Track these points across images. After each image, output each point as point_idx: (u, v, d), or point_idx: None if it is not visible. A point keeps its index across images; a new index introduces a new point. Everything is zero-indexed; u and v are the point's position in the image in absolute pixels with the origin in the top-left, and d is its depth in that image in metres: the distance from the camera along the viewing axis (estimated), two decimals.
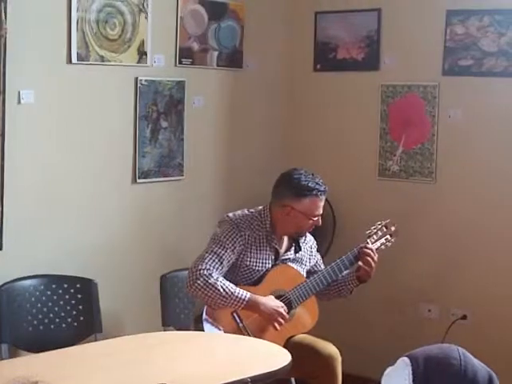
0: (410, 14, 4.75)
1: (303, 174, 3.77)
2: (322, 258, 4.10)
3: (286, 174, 3.81)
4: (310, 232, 3.92)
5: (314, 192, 3.73)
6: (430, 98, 4.69)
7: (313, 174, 3.78)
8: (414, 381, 1.66)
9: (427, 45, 4.69)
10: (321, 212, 3.79)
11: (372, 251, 3.85)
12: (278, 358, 3.18)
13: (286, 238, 3.87)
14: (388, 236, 4.04)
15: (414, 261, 4.76)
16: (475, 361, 1.72)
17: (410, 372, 1.68)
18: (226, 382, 2.89)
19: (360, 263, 3.84)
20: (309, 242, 3.95)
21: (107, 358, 3.14)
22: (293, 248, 3.87)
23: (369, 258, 3.82)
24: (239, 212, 3.80)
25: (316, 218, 3.78)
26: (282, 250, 3.85)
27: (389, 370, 1.76)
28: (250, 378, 2.94)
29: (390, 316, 4.82)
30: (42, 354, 3.18)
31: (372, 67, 4.87)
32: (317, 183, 3.75)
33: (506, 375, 4.37)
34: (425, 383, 1.65)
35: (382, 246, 4.00)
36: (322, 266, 3.99)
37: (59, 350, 3.21)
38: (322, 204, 3.79)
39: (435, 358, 1.70)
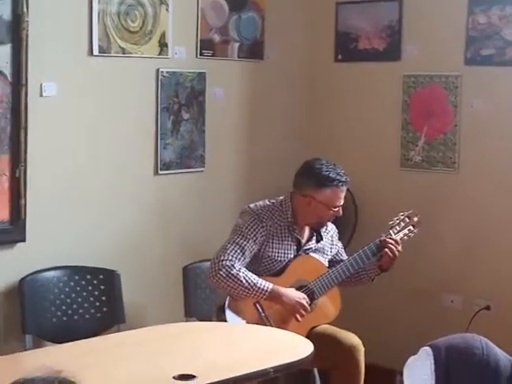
0: (431, 3, 4.72)
1: (325, 164, 3.76)
2: (345, 248, 4.10)
3: (307, 164, 3.81)
4: (331, 221, 3.91)
5: (335, 183, 3.72)
6: (452, 88, 4.66)
7: (334, 165, 3.78)
8: (435, 370, 1.66)
9: (449, 34, 4.66)
10: (342, 203, 3.79)
11: (396, 241, 3.85)
12: (300, 348, 3.18)
13: (307, 228, 3.87)
14: (411, 227, 4.03)
15: (437, 251, 4.74)
16: (498, 350, 1.72)
17: (432, 362, 1.68)
18: (248, 372, 2.91)
19: (386, 250, 3.82)
20: (330, 231, 3.95)
21: (130, 348, 3.16)
22: (314, 238, 3.88)
23: (393, 247, 3.82)
24: (260, 203, 3.81)
25: (337, 209, 3.77)
26: (304, 240, 3.86)
27: (411, 359, 1.76)
28: (272, 368, 2.95)
29: (413, 306, 4.80)
30: (65, 345, 3.21)
31: (393, 57, 4.84)
32: (338, 174, 3.74)
33: None
34: (446, 372, 1.65)
35: (405, 237, 3.99)
36: (344, 255, 3.99)
37: (83, 341, 3.23)
38: (343, 195, 3.78)
39: (457, 348, 1.70)
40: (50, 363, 2.76)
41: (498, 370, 1.63)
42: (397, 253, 3.83)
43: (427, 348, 1.70)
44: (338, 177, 3.74)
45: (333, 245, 3.96)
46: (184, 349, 3.15)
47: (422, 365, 1.65)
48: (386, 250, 3.82)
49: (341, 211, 3.81)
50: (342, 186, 3.76)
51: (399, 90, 4.82)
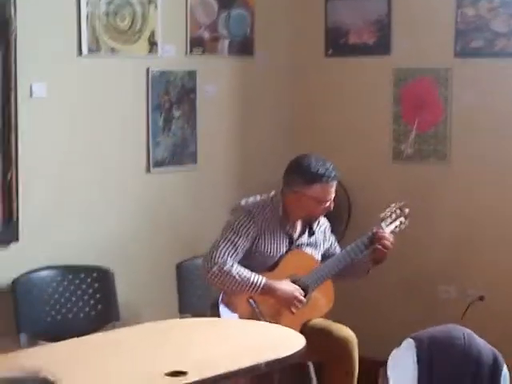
0: None
1: (313, 160, 3.77)
2: (338, 241, 4.12)
3: (296, 161, 3.82)
4: (324, 215, 3.93)
5: (324, 178, 3.73)
6: (443, 80, 4.67)
7: (323, 160, 3.78)
8: (418, 361, 1.68)
9: (438, 27, 4.68)
10: (332, 197, 3.80)
11: (387, 234, 3.86)
12: (292, 342, 3.19)
13: (299, 223, 3.89)
14: (402, 218, 4.04)
15: (430, 243, 4.76)
16: (480, 341, 1.74)
17: (415, 353, 1.70)
18: (241, 367, 2.92)
19: (377, 245, 3.84)
20: (322, 225, 3.96)
21: (124, 345, 3.18)
22: (307, 232, 3.89)
23: (385, 241, 3.83)
24: (251, 199, 3.82)
25: (328, 203, 3.79)
26: (296, 235, 3.87)
27: (395, 351, 1.78)
28: (264, 362, 2.97)
29: (407, 298, 4.82)
30: (59, 343, 3.21)
31: (384, 51, 4.86)
32: (327, 169, 3.75)
33: None
34: (429, 363, 1.67)
35: (397, 229, 4.00)
36: (338, 248, 4.00)
37: (76, 339, 3.24)
38: (332, 189, 3.79)
39: (439, 339, 1.72)
40: (43, 362, 2.81)
41: (480, 359, 1.66)
42: (389, 245, 3.84)
43: (410, 340, 1.72)
44: (327, 172, 3.74)
45: (326, 238, 3.98)
46: (176, 345, 3.16)
47: (406, 356, 1.68)
48: (378, 242, 3.83)
49: (332, 205, 3.82)
50: (331, 180, 3.77)
51: (390, 83, 4.83)
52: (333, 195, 3.80)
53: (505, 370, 1.68)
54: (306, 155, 3.82)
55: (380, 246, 3.83)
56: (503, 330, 4.47)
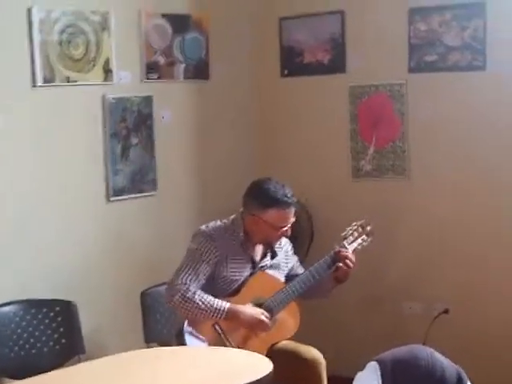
0: (372, 14, 4.78)
1: (272, 184, 3.74)
2: (302, 261, 4.11)
3: (255, 184, 3.81)
4: (286, 236, 3.91)
5: (281, 204, 3.71)
6: (398, 96, 4.71)
7: (283, 186, 3.75)
8: (383, 383, 1.68)
9: (392, 44, 4.72)
10: (289, 223, 3.77)
11: (349, 253, 3.86)
12: (259, 367, 3.17)
13: (261, 245, 3.87)
14: (364, 236, 4.05)
15: (393, 259, 4.78)
16: (444, 360, 1.74)
17: (379, 376, 1.69)
18: None
19: (339, 264, 3.84)
20: (284, 245, 3.95)
21: (89, 379, 3.14)
22: (269, 254, 3.88)
23: (347, 261, 3.83)
24: (212, 223, 3.80)
25: (284, 229, 3.77)
26: (258, 258, 3.86)
27: (359, 374, 1.78)
28: None
29: (373, 315, 4.83)
30: (24, 381, 3.17)
31: (339, 69, 4.89)
32: (285, 195, 3.72)
33: (488, 365, 4.41)
34: None
35: (359, 247, 4.01)
36: (300, 269, 3.99)
37: (41, 376, 3.20)
38: (289, 216, 3.75)
39: (403, 360, 1.72)
40: None
41: (444, 379, 1.66)
42: (351, 264, 3.84)
43: (373, 362, 1.72)
44: (285, 198, 3.72)
45: (288, 260, 3.97)
46: (143, 376, 3.13)
47: (370, 379, 1.67)
48: (341, 261, 3.83)
49: (289, 232, 3.79)
50: (287, 207, 3.73)
51: (346, 101, 4.86)
52: (290, 222, 3.77)
53: None
54: (267, 179, 3.80)
55: (342, 265, 3.83)
56: (467, 343, 4.50)
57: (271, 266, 3.88)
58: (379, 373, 1.69)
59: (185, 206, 4.76)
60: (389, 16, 4.72)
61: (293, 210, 3.77)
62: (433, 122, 4.64)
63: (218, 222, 3.81)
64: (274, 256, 3.89)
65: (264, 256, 3.87)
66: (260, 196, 3.73)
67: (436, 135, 4.65)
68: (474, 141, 4.53)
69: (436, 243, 4.66)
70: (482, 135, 4.50)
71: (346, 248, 3.90)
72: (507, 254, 4.47)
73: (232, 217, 3.84)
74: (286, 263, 3.95)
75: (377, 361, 1.72)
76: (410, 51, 4.67)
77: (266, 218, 3.72)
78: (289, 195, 3.73)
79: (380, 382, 1.67)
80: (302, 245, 4.71)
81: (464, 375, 1.71)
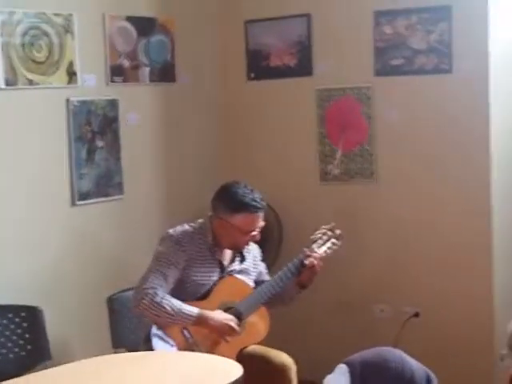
0: (338, 17, 4.77)
1: (241, 188, 3.71)
2: (270, 266, 4.08)
3: (224, 187, 3.77)
4: (255, 241, 3.87)
5: (250, 208, 3.68)
6: (365, 99, 4.70)
7: (252, 190, 3.73)
8: None
9: (358, 47, 4.72)
10: (257, 228, 3.74)
11: (316, 258, 3.83)
12: (229, 371, 3.14)
13: (229, 250, 3.83)
14: (334, 240, 4.03)
15: (363, 262, 4.77)
16: (413, 362, 1.72)
17: (348, 378, 1.67)
18: None
19: (307, 265, 3.80)
20: (252, 250, 3.92)
21: None
22: (238, 259, 3.84)
23: (314, 263, 3.81)
24: (179, 227, 3.76)
25: (253, 234, 3.74)
26: (227, 262, 3.82)
27: (328, 377, 1.75)
28: None
29: (343, 319, 4.81)
30: None
31: (305, 73, 4.87)
32: (253, 199, 3.69)
33: (458, 368, 4.41)
34: None
35: (329, 250, 3.99)
36: (266, 276, 3.96)
37: (6, 382, 3.13)
38: (258, 220, 3.72)
39: (372, 363, 1.69)
40: None
41: (413, 380, 1.63)
42: (318, 268, 3.81)
43: (343, 365, 1.69)
44: (254, 202, 3.68)
45: (256, 265, 3.93)
46: (110, 382, 3.08)
47: (339, 381, 1.64)
48: (308, 264, 3.80)
49: (258, 236, 3.77)
50: (256, 212, 3.70)
51: (313, 104, 4.85)
52: (258, 226, 3.74)
53: None
54: (236, 183, 3.77)
55: (309, 266, 3.79)
56: (438, 345, 4.50)
57: (240, 271, 3.84)
58: (348, 375, 1.66)
59: (151, 209, 4.72)
60: (354, 19, 4.72)
61: (261, 214, 3.74)
62: (399, 125, 4.64)
63: (186, 226, 3.77)
64: (242, 260, 3.85)
65: (232, 261, 3.84)
66: (228, 200, 3.70)
67: (403, 138, 4.64)
68: (442, 144, 4.53)
69: (405, 246, 4.66)
70: (449, 138, 4.51)
71: (316, 252, 3.87)
72: (476, 257, 4.48)
73: (200, 221, 3.80)
74: (255, 268, 3.92)
75: (346, 363, 1.69)
76: (376, 54, 4.67)
77: (234, 222, 3.68)
78: (258, 199, 3.70)
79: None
80: (270, 248, 4.68)
81: (433, 377, 1.69)
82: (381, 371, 1.65)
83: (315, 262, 3.80)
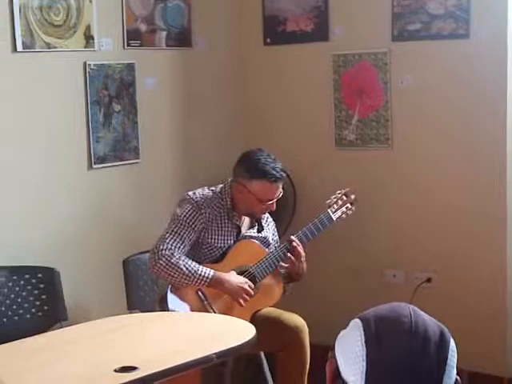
0: None
1: (263, 156, 3.71)
2: (285, 229, 4.09)
3: (247, 153, 3.78)
4: (271, 211, 3.85)
5: (268, 177, 3.68)
6: (381, 64, 4.69)
7: (274, 159, 3.73)
8: (366, 341, 1.67)
9: (375, 12, 4.69)
10: (274, 198, 3.74)
11: (298, 246, 3.78)
12: (242, 332, 3.18)
13: (247, 218, 3.86)
14: (348, 204, 4.05)
15: (376, 228, 4.77)
16: (426, 317, 1.73)
17: (362, 332, 1.69)
18: (191, 359, 2.90)
19: (289, 255, 3.77)
20: (270, 223, 3.95)
21: (71, 344, 3.13)
22: (256, 227, 3.85)
23: (299, 250, 3.77)
24: (199, 190, 3.78)
25: (269, 203, 3.74)
26: (244, 227, 3.84)
27: (342, 333, 1.77)
28: (214, 353, 2.95)
29: (355, 284, 4.83)
30: (4, 345, 3.15)
31: (322, 38, 4.85)
32: (273, 168, 3.69)
33: (472, 333, 4.43)
34: (377, 342, 1.66)
35: (344, 215, 4.02)
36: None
37: (21, 340, 3.18)
38: (275, 190, 3.72)
39: (386, 317, 1.71)
40: None
41: (427, 335, 1.65)
42: (301, 256, 3.77)
43: (357, 320, 1.71)
44: (273, 172, 3.68)
45: (274, 235, 3.96)
46: (126, 341, 3.13)
47: (353, 337, 1.66)
48: (293, 253, 3.77)
49: (274, 206, 3.76)
50: (274, 181, 3.70)
51: (329, 69, 4.83)
52: (276, 196, 3.74)
53: (452, 344, 1.68)
54: (259, 150, 3.78)
55: (291, 255, 3.77)
56: (450, 310, 4.52)
57: (258, 239, 3.85)
58: (362, 330, 1.68)
59: (168, 174, 4.74)
60: None
61: (280, 185, 3.75)
62: (416, 91, 4.62)
63: (206, 190, 3.79)
64: (260, 230, 3.86)
65: (251, 227, 3.86)
66: (249, 165, 3.71)
67: (419, 104, 4.63)
68: (458, 110, 4.52)
69: (418, 212, 4.66)
70: (466, 105, 4.49)
71: (331, 216, 3.89)
72: (490, 224, 4.48)
73: (220, 185, 3.82)
74: (273, 239, 3.94)
75: (359, 318, 1.71)
76: (393, 19, 4.64)
77: (252, 188, 3.69)
78: (278, 169, 3.71)
79: (363, 338, 1.66)
80: (285, 213, 4.70)
81: (447, 332, 1.70)
82: (395, 326, 1.66)
83: (297, 253, 3.77)
